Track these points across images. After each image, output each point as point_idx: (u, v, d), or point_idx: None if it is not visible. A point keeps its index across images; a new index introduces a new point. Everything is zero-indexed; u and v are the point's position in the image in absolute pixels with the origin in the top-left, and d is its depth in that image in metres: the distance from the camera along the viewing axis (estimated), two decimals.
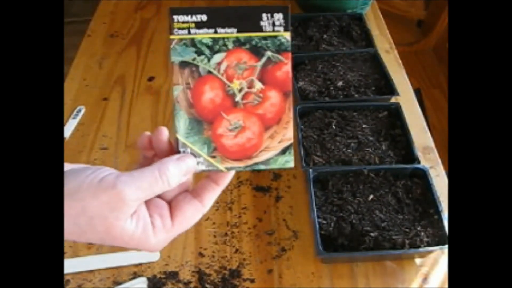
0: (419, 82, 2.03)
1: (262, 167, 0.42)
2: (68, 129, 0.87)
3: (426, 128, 0.86)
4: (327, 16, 1.04)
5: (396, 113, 0.82)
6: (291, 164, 0.42)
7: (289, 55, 0.41)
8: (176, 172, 0.39)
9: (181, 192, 0.41)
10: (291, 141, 0.42)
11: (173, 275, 0.65)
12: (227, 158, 0.41)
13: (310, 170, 0.70)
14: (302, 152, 0.74)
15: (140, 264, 0.66)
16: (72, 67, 1.02)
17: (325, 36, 1.00)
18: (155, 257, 0.67)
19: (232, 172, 0.42)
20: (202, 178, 0.42)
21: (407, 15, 2.29)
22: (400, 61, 1.01)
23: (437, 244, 0.63)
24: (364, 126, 0.80)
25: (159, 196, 0.40)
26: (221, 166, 0.41)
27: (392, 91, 0.84)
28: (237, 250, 0.68)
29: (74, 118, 0.89)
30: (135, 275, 0.65)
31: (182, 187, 0.41)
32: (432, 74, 2.10)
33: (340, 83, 0.87)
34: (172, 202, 0.41)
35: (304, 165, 0.73)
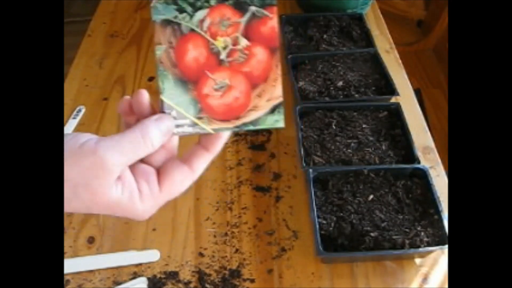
0: (419, 82, 2.03)
1: (251, 127, 0.40)
2: (68, 129, 0.86)
3: (426, 128, 0.86)
4: (327, 16, 1.04)
5: (396, 113, 0.82)
6: (281, 124, 0.41)
7: (275, 9, 0.39)
8: (157, 133, 0.37)
9: (168, 158, 0.40)
10: (281, 99, 0.40)
11: (173, 275, 0.65)
12: (214, 119, 0.40)
13: (310, 170, 0.70)
14: (302, 152, 0.74)
15: (140, 264, 0.66)
16: (72, 67, 1.02)
17: (325, 36, 1.00)
18: (155, 257, 0.67)
19: (222, 138, 0.40)
20: (192, 145, 0.41)
21: (407, 15, 2.29)
22: (400, 61, 1.01)
23: (437, 244, 0.63)
24: (364, 126, 0.80)
25: (146, 163, 0.39)
26: (208, 128, 0.40)
27: (392, 91, 0.84)
28: (237, 250, 0.68)
29: (74, 118, 0.89)
30: (135, 275, 0.65)
31: (168, 152, 0.40)
32: (432, 74, 2.09)
33: (340, 83, 0.87)
34: (160, 169, 0.39)
35: (304, 165, 0.73)
